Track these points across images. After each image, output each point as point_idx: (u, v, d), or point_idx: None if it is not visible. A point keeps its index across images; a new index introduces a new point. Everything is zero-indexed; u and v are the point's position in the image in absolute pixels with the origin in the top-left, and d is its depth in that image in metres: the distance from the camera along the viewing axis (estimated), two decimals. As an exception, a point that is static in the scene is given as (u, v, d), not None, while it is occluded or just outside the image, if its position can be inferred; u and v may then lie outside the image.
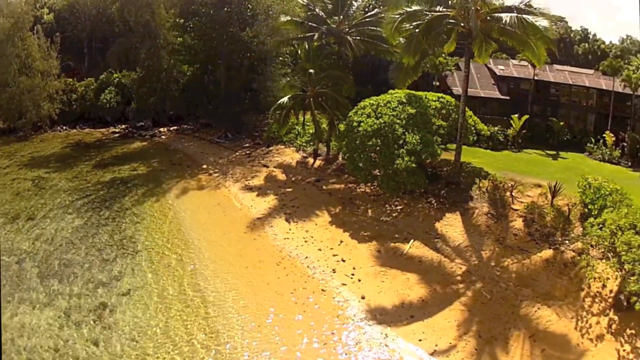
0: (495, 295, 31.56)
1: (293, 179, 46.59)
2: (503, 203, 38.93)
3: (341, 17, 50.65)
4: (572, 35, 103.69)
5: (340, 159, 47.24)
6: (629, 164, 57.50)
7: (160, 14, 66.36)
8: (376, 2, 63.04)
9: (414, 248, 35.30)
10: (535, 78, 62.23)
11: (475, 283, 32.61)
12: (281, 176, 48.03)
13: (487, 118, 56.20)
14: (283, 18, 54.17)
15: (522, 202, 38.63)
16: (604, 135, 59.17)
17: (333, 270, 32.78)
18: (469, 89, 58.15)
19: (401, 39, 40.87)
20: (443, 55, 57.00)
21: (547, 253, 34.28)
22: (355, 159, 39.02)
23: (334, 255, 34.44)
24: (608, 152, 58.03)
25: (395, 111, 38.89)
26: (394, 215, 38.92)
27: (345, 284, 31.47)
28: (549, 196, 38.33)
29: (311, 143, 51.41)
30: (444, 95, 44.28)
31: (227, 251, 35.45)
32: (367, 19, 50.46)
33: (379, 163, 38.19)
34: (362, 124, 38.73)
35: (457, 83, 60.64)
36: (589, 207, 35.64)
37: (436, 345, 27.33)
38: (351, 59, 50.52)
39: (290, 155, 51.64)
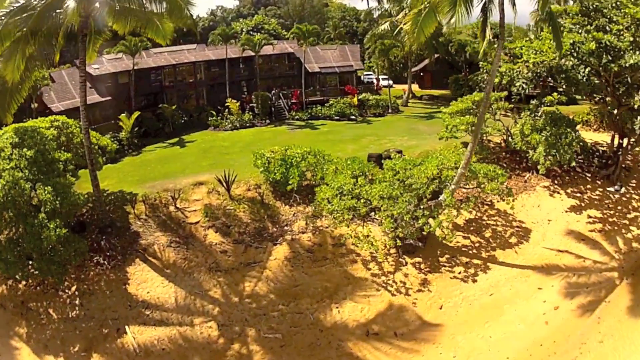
0: (283, 329, 25.10)
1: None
2: (176, 222, 31.28)
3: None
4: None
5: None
6: (267, 121, 54.70)
7: None
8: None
9: (139, 335, 25.03)
10: (136, 68, 52.45)
11: (244, 333, 25.25)
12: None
13: (94, 128, 44.08)
14: None
15: (196, 211, 31.88)
16: (226, 104, 54.30)
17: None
18: (67, 101, 48.48)
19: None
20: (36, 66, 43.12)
21: (280, 251, 29.17)
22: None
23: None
24: (237, 119, 53.35)
25: (13, 160, 25.22)
26: (77, 302, 26.49)
27: None
28: (221, 189, 32.99)
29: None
30: (57, 117, 32.07)
31: None
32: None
33: (24, 244, 24.56)
34: (-21, 196, 24.16)
35: (54, 98, 47.28)
36: (290, 181, 31.24)
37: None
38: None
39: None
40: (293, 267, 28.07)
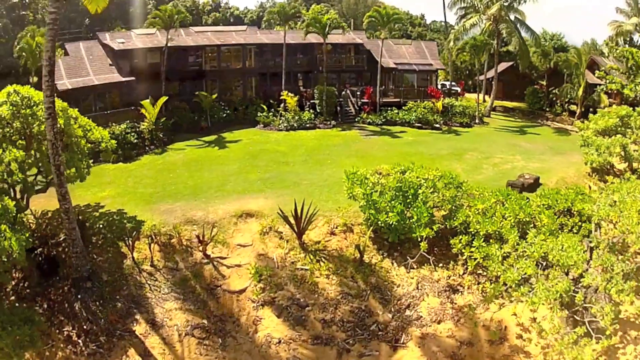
0: None
1: None
2: (204, 286, 17.97)
3: None
4: (201, 6, 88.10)
5: None
6: (331, 123, 41.33)
7: None
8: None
9: None
10: (170, 45, 39.28)
11: None
12: None
13: (108, 114, 34.27)
14: None
15: (240, 267, 18.26)
16: (281, 97, 41.28)
17: None
18: (77, 78, 35.67)
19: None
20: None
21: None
22: None
23: None
24: (295, 117, 40.23)
25: None
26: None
27: None
28: (285, 229, 19.07)
29: None
30: (18, 88, 18.88)
31: None
32: None
33: None
34: None
35: (63, 74, 35.39)
36: (419, 232, 18.16)
37: None
38: None
39: None
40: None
